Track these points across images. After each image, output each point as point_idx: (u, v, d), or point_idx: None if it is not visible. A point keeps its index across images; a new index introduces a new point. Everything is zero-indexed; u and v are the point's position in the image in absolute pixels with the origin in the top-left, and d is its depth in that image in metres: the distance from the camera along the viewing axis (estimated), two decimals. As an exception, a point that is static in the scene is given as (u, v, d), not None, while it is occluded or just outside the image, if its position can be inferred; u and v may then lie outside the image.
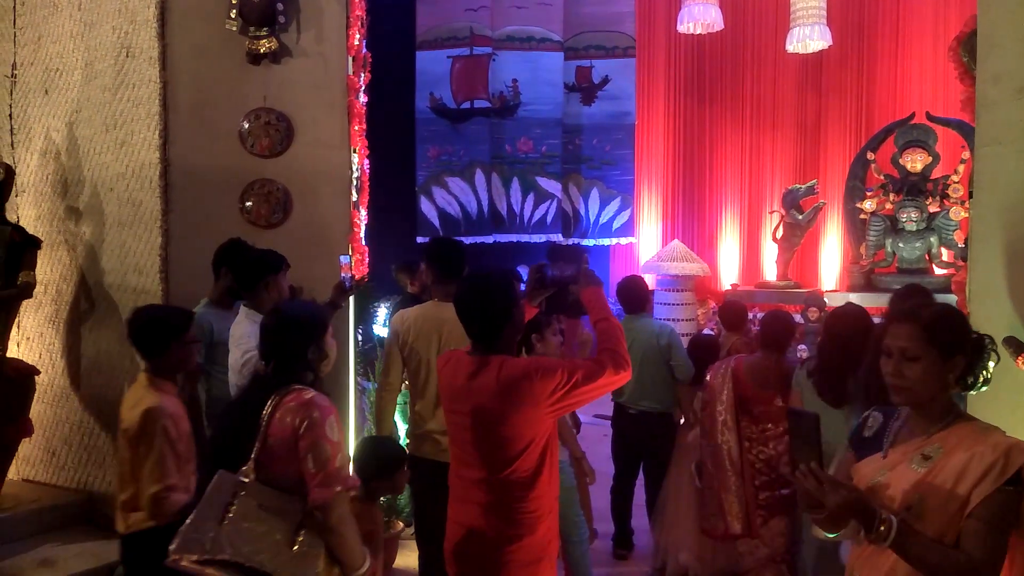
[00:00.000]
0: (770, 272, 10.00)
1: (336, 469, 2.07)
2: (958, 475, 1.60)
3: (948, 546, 1.59)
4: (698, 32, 8.46)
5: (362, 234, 4.87)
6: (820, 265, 10.19)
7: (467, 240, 9.18)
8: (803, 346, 8.32)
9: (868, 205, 8.76)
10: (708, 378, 3.89)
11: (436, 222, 9.53)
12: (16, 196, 4.66)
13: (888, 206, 8.67)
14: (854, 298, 7.46)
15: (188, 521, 1.95)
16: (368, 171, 5.09)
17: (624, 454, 4.55)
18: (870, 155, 8.82)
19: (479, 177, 9.51)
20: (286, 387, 2.12)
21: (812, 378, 3.25)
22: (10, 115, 4.92)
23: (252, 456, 2.03)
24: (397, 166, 8.89)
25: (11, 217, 4.48)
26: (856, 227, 8.93)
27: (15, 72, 4.91)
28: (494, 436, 2.26)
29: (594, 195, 9.78)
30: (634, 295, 4.52)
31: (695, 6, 8.01)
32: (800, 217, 9.22)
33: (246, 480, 2.00)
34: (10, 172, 4.38)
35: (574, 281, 2.56)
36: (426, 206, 9.54)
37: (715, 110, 10.69)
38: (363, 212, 4.96)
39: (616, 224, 9.84)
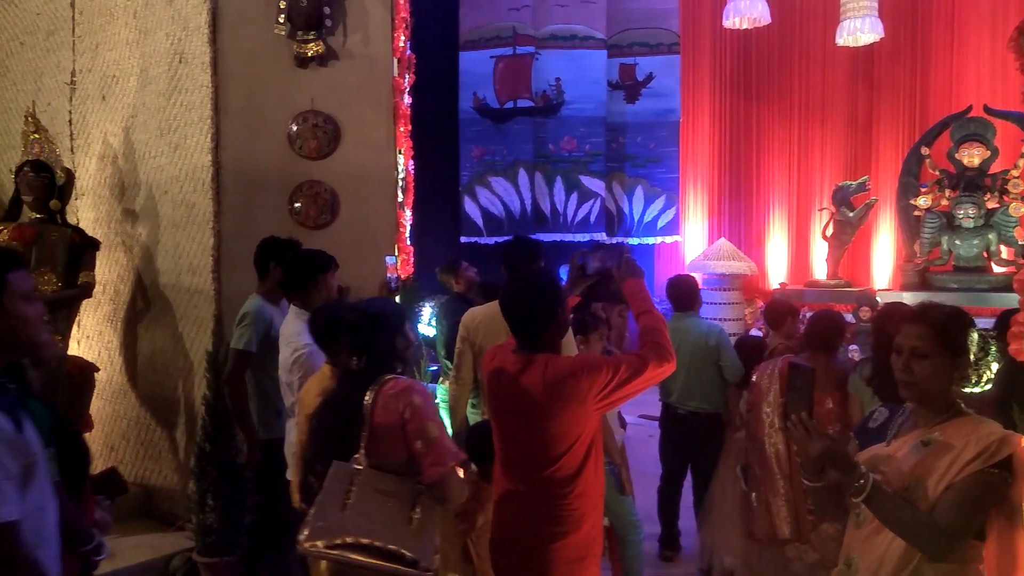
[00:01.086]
0: (820, 271, 9.79)
1: (444, 446, 2.18)
2: (952, 459, 1.71)
3: (921, 511, 1.70)
4: (744, 27, 8.33)
5: (407, 234, 4.93)
6: (872, 263, 9.94)
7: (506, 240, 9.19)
8: (855, 346, 8.12)
9: (922, 201, 8.52)
10: (754, 379, 3.83)
11: (480, 222, 9.57)
12: (76, 199, 4.83)
13: (944, 202, 8.41)
14: (907, 297, 7.27)
15: (313, 510, 2.07)
16: (412, 172, 5.15)
17: (672, 455, 4.50)
18: (924, 150, 8.57)
19: (522, 176, 9.52)
20: (381, 378, 2.22)
21: (871, 384, 3.19)
22: (70, 121, 5.10)
23: (362, 445, 2.15)
24: (441, 166, 8.96)
25: (71, 219, 4.64)
26: (910, 224, 8.69)
27: (74, 79, 5.08)
28: (540, 433, 2.27)
29: (638, 193, 9.71)
30: (683, 293, 4.47)
31: (741, 1, 7.89)
32: (851, 214, 9.01)
33: (360, 467, 2.12)
34: (70, 176, 4.53)
35: (614, 271, 2.54)
36: (470, 206, 9.59)
37: (762, 106, 10.51)
38: (408, 212, 5.02)
39: (661, 223, 9.76)
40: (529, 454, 2.30)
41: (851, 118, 10.11)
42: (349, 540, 2.00)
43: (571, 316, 2.71)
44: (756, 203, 10.61)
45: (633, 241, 9.72)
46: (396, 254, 4.62)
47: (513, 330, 2.40)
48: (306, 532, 2.03)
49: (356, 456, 2.14)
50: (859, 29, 7.90)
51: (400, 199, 4.77)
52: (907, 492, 1.74)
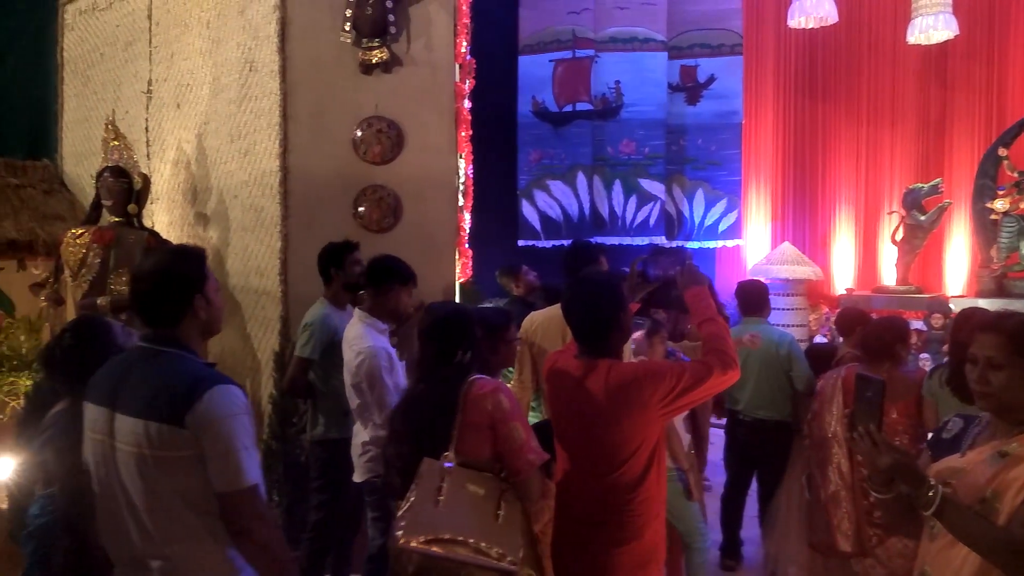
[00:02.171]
0: (888, 276, 9.47)
1: (531, 446, 2.24)
2: None
3: (995, 525, 1.64)
4: (810, 26, 8.14)
5: (466, 238, 4.97)
6: (944, 269, 9.56)
7: (567, 244, 9.17)
8: (925, 355, 7.85)
9: (1000, 205, 8.16)
10: (819, 387, 3.73)
11: (537, 225, 9.58)
12: (151, 203, 5.02)
13: (1022, 205, 8.05)
14: (983, 303, 6.97)
15: (408, 507, 2.14)
16: (471, 175, 5.19)
17: (737, 463, 4.43)
18: (1002, 151, 8.21)
19: (581, 180, 9.50)
20: (468, 379, 2.28)
21: (950, 385, 3.09)
22: (146, 128, 5.31)
23: (452, 443, 2.23)
24: (498, 170, 8.99)
25: (147, 223, 4.82)
26: (986, 228, 8.34)
27: (151, 88, 5.29)
28: (602, 439, 2.26)
29: (699, 196, 9.57)
30: (752, 298, 4.39)
31: (807, 0, 7.71)
32: (922, 218, 8.69)
33: (450, 465, 2.19)
34: (147, 181, 4.71)
35: (676, 278, 2.51)
36: (527, 210, 9.61)
37: (828, 106, 10.23)
38: (467, 216, 5.06)
39: (722, 226, 9.60)
40: (591, 459, 2.30)
41: (923, 118, 9.75)
42: (443, 536, 2.05)
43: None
44: (821, 206, 10.33)
45: (693, 245, 9.58)
46: (457, 257, 4.66)
47: (575, 334, 2.40)
48: (401, 529, 2.09)
49: (446, 454, 2.21)
50: (932, 26, 7.62)
51: (460, 203, 4.81)
52: (982, 505, 1.69)
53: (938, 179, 8.88)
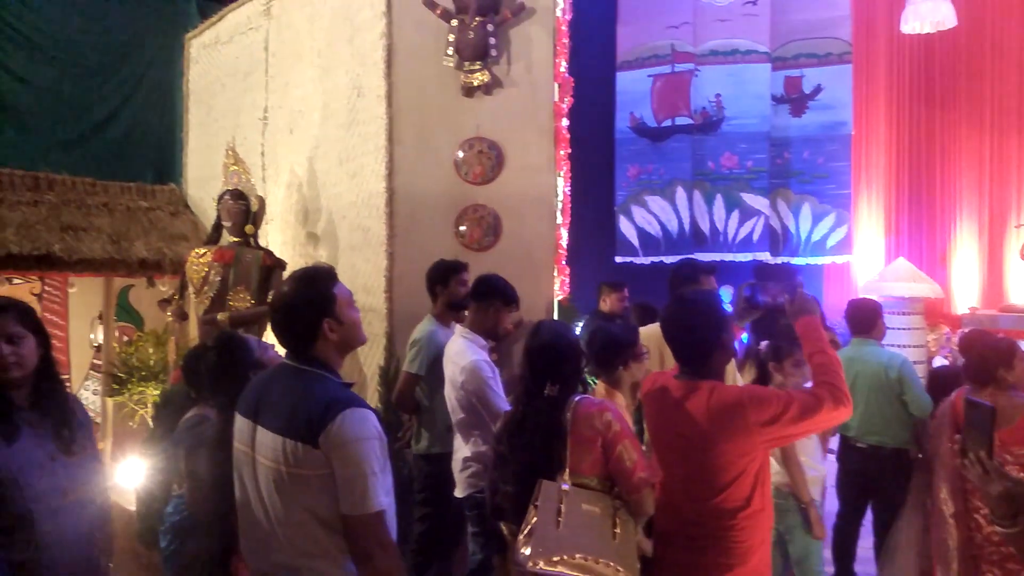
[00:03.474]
0: (1017, 294, 8.82)
1: (643, 463, 2.27)
2: None
3: None
4: (926, 31, 7.74)
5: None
6: (1082, 286, 8.83)
7: (668, 260, 9.05)
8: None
9: None
10: (936, 413, 3.51)
11: (635, 242, 9.48)
12: (266, 224, 5.29)
13: None
14: None
15: (530, 529, 2.19)
16: (568, 192, 5.20)
17: (850, 491, 4.20)
18: None
19: (680, 195, 9.35)
20: (572, 399, 2.33)
21: None
22: (262, 153, 5.62)
23: (566, 464, 2.27)
24: (596, 186, 8.98)
25: (262, 242, 5.09)
26: None
27: (266, 115, 5.60)
28: (703, 462, 2.21)
29: (805, 211, 9.23)
30: (862, 317, 4.18)
31: (922, 4, 7.36)
32: (1055, 231, 8.07)
33: (566, 486, 2.24)
34: (262, 203, 4.98)
35: (786, 307, 2.42)
36: (625, 226, 9.53)
37: (947, 114, 9.67)
38: (564, 233, 5.07)
39: (830, 242, 9.21)
40: (693, 482, 2.25)
41: (1054, 124, 9.08)
42: (567, 557, 2.09)
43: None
44: (940, 220, 9.75)
45: (799, 261, 9.24)
46: (556, 274, 4.68)
47: (675, 355, 2.36)
48: (527, 552, 2.13)
49: (561, 475, 2.24)
50: (1065, 26, 7.11)
51: (559, 220, 4.83)
52: None
53: (1074, 189, 8.23)
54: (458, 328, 3.38)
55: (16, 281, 6.17)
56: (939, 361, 7.96)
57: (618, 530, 2.18)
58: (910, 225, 9.89)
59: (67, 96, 7.41)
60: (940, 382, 3.97)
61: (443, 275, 3.74)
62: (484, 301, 3.32)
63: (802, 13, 9.16)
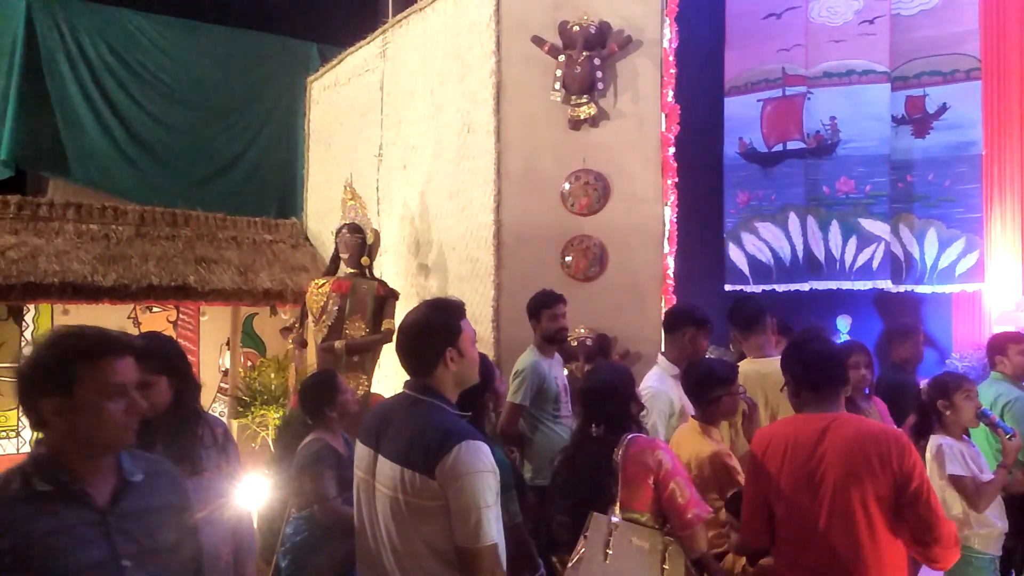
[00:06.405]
0: None
1: (696, 500, 2.32)
2: None
3: None
4: (1066, 43, 7.21)
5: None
6: None
7: (780, 288, 8.76)
8: None
9: None
10: None
11: (745, 269, 9.22)
12: (381, 255, 5.51)
13: None
14: None
15: (578, 560, 2.25)
16: (675, 220, 5.14)
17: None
18: None
19: (793, 221, 9.03)
20: (623, 438, 2.41)
21: None
22: (377, 188, 5.88)
23: (617, 499, 2.35)
24: (704, 213, 8.80)
25: (376, 273, 5.30)
26: None
27: (381, 152, 5.87)
28: (840, 501, 2.12)
29: (931, 236, 8.71)
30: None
31: (1061, 14, 6.86)
32: None
33: (616, 520, 2.31)
34: (377, 236, 5.19)
35: None
36: (735, 253, 9.29)
37: (1093, 131, 8.92)
38: (671, 261, 5.02)
39: (960, 269, 8.63)
40: (818, 520, 2.15)
41: None
42: None
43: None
44: (1086, 244, 8.96)
45: (924, 290, 8.71)
46: (663, 304, 4.62)
47: (799, 388, 2.30)
48: None
49: (611, 508, 2.31)
50: None
51: (666, 249, 4.79)
52: None
53: None
54: (660, 358, 3.36)
55: (155, 309, 6.68)
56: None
57: (667, 566, 2.21)
58: (1052, 251, 9.14)
59: (200, 137, 8.04)
60: None
61: (535, 309, 3.78)
62: (674, 332, 3.30)
63: (924, 30, 8.73)
